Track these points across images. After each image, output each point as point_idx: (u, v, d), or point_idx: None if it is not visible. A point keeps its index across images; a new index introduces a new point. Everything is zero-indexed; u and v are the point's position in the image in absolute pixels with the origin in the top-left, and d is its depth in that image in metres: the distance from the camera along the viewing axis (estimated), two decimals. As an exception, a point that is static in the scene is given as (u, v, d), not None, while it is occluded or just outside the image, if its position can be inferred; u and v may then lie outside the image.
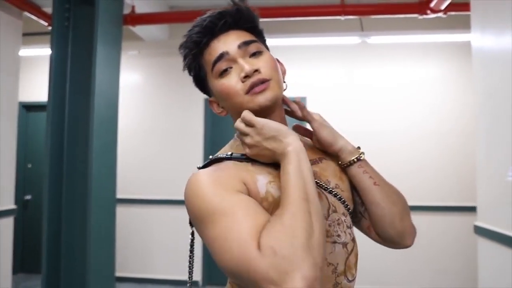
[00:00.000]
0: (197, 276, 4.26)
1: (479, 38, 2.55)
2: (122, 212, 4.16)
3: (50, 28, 3.23)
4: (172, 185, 4.31)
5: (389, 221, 0.86)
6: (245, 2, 0.88)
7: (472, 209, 2.61)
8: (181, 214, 4.51)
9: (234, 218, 0.68)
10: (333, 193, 0.83)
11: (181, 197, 3.46)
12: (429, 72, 4.06)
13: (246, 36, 0.85)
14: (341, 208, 0.84)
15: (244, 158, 0.82)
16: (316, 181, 0.78)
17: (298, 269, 0.61)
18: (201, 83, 0.91)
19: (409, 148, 3.88)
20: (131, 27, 3.76)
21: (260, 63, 0.83)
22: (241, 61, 0.82)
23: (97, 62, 2.87)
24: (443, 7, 3.04)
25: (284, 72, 0.92)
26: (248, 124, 0.78)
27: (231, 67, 0.83)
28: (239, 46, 0.83)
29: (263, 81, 0.81)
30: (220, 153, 0.86)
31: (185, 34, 0.89)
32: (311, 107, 4.29)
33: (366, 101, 4.01)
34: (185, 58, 0.89)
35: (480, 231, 2.47)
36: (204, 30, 0.85)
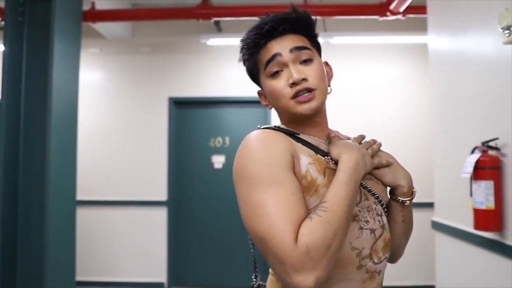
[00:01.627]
0: (162, 277, 4.19)
1: (435, 40, 2.64)
2: (84, 215, 4.05)
3: (3, 23, 3.09)
4: (136, 186, 4.23)
5: (395, 247, 0.99)
6: (305, 10, 0.95)
7: (431, 205, 2.71)
8: (145, 214, 4.47)
9: (282, 196, 0.77)
10: (362, 184, 0.90)
11: (145, 198, 3.43)
12: (392, 73, 4.17)
13: (300, 41, 0.92)
14: (371, 197, 0.91)
15: (292, 134, 0.92)
16: None
17: (317, 271, 0.72)
18: (253, 77, 1.00)
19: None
20: (91, 24, 3.65)
21: (309, 71, 0.90)
22: (291, 66, 0.89)
23: (54, 59, 2.77)
24: (402, 9, 3.13)
25: (331, 77, 1.00)
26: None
27: (281, 70, 0.91)
28: (291, 50, 0.90)
29: (309, 90, 0.89)
30: (273, 125, 0.96)
31: (246, 32, 0.95)
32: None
33: (329, 101, 4.05)
34: (242, 54, 0.97)
35: (437, 226, 2.56)
36: (263, 33, 0.91)
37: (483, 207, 1.90)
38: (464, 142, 2.15)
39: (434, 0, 2.63)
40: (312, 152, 0.89)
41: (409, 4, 3.09)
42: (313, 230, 0.73)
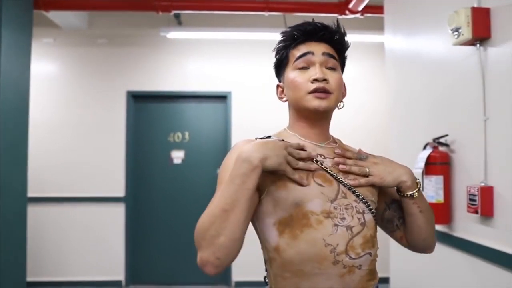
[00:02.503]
0: (120, 275, 4.10)
1: (391, 40, 2.72)
2: (37, 212, 3.89)
3: None
4: (93, 182, 4.10)
5: (423, 238, 1.05)
6: (344, 29, 1.06)
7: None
8: (102, 211, 4.34)
9: (218, 191, 0.91)
10: (343, 183, 0.96)
11: (102, 194, 3.34)
12: (352, 71, 4.23)
13: (332, 51, 1.03)
14: (351, 196, 0.96)
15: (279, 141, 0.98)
16: (331, 172, 0.96)
17: (200, 252, 0.86)
18: (279, 68, 1.09)
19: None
20: (45, 13, 3.49)
21: (331, 77, 1.00)
22: (317, 66, 1.00)
23: (2, 48, 2.63)
24: (360, 8, 3.21)
25: (344, 95, 1.09)
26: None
27: (308, 68, 1.01)
28: (323, 54, 1.01)
29: (326, 91, 0.98)
30: (267, 135, 1.04)
31: (290, 27, 1.05)
32: (236, 102, 4.30)
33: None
34: (278, 44, 1.07)
35: (391, 220, 2.65)
36: (304, 31, 1.03)
37: (434, 200, 1.99)
38: (417, 139, 2.23)
39: (391, 1, 2.71)
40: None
41: (367, 4, 3.17)
42: (200, 218, 0.87)
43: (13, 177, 2.80)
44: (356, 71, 4.27)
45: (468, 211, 1.76)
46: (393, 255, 2.66)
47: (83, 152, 4.12)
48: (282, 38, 1.06)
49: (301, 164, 0.93)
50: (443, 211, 1.98)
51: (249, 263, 3.50)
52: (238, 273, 4.04)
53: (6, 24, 2.66)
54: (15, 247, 2.84)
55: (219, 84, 4.22)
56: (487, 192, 1.68)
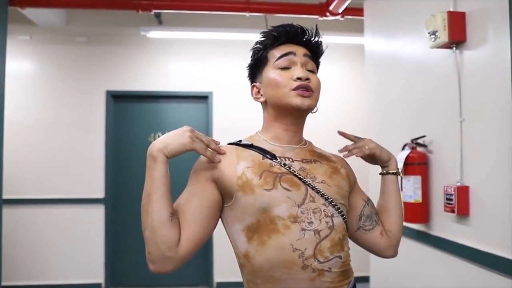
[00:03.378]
0: (100, 278, 4.03)
1: (370, 41, 2.76)
2: (12, 214, 3.78)
3: None
4: (71, 183, 4.02)
5: (400, 223, 1.14)
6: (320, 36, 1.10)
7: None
8: (80, 213, 4.25)
9: (184, 193, 1.00)
10: (311, 186, 0.96)
11: (80, 195, 3.28)
12: (332, 72, 4.29)
13: (311, 54, 1.06)
14: (320, 199, 0.96)
15: (247, 145, 1.02)
16: (299, 176, 0.96)
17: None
18: (254, 68, 1.09)
19: (321, 142, 4.06)
20: (20, 10, 3.40)
21: (312, 77, 1.02)
22: (299, 66, 1.01)
23: (-24, 46, 2.55)
24: (340, 10, 3.24)
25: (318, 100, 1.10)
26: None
27: (290, 68, 1.01)
28: (305, 55, 1.03)
29: (309, 90, 1.00)
30: (238, 139, 1.06)
31: (271, 27, 1.06)
32: (217, 103, 4.28)
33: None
34: (258, 43, 1.07)
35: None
36: (286, 33, 1.04)
37: (412, 200, 2.03)
38: (396, 139, 2.27)
39: (371, 2, 2.74)
40: (259, 158, 0.99)
41: (348, 6, 3.20)
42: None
43: (-13, 178, 2.72)
44: (336, 72, 4.31)
45: (445, 211, 1.80)
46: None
47: (61, 152, 4.04)
48: (262, 38, 1.06)
49: (212, 146, 0.97)
50: (421, 211, 2.02)
51: (231, 264, 3.49)
52: (220, 274, 4.02)
53: (-21, 21, 2.58)
54: (-11, 251, 2.75)
55: (200, 84, 4.20)
56: (463, 192, 1.72)
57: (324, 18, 3.33)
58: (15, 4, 3.17)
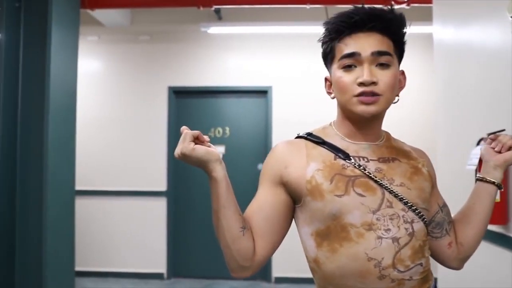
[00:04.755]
0: (162, 268, 4.19)
1: (440, 30, 2.59)
2: (83, 204, 4.03)
3: None
4: (135, 176, 4.20)
5: (476, 241, 1.01)
6: (401, 13, 0.94)
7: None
8: (144, 205, 4.43)
9: (258, 195, 0.95)
10: (389, 189, 0.88)
11: (144, 188, 3.40)
12: (400, 65, 4.11)
13: (383, 45, 0.90)
14: (398, 204, 0.88)
15: (319, 142, 0.94)
16: (374, 178, 0.88)
17: None
18: (325, 59, 0.98)
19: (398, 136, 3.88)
20: (89, 11, 3.59)
21: (382, 76, 0.89)
22: (366, 66, 0.88)
23: (52, 46, 2.72)
24: (406, -2, 3.08)
25: (402, 87, 1.00)
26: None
27: (355, 66, 0.90)
28: (372, 54, 0.89)
29: (374, 95, 0.88)
30: (308, 131, 0.99)
31: (334, 15, 0.93)
32: (276, 97, 4.26)
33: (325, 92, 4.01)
34: (323, 35, 0.96)
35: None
36: (351, 23, 0.90)
37: (489, 199, 1.87)
38: (468, 134, 2.11)
39: (440, -11, 2.57)
40: (330, 158, 0.91)
41: (413, -7, 3.03)
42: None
43: (61, 171, 2.90)
44: (403, 65, 4.11)
45: (528, 212, 1.64)
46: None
47: (126, 147, 4.23)
48: (327, 29, 0.95)
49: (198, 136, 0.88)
50: (499, 211, 1.86)
51: (289, 259, 3.48)
52: (278, 269, 4.02)
53: (56, 24, 2.75)
54: (64, 238, 2.95)
55: (259, 78, 4.20)
56: (550, 192, 1.56)
57: (389, 7, 3.17)
58: (86, 6, 3.35)
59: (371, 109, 0.89)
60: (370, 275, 0.84)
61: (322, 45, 0.98)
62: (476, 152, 1.92)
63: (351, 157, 0.91)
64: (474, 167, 1.92)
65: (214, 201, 0.88)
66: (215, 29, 3.79)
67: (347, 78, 0.90)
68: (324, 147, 0.93)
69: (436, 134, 2.64)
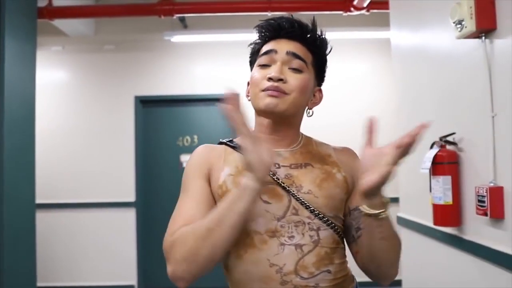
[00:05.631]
0: (133, 280, 4.10)
1: (396, 35, 2.64)
2: (48, 218, 3.92)
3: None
4: (103, 188, 4.12)
5: (377, 265, 0.89)
6: (322, 31, 0.99)
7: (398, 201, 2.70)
8: (113, 216, 4.34)
9: (183, 199, 0.92)
10: (295, 197, 0.88)
11: (113, 199, 3.34)
12: (359, 69, 4.17)
13: (300, 51, 0.95)
14: (304, 211, 0.88)
15: (234, 147, 0.97)
16: (282, 184, 0.89)
17: (172, 265, 0.86)
18: (251, 64, 1.04)
19: (346, 142, 3.88)
20: (52, 22, 3.52)
21: (291, 78, 0.92)
22: (278, 65, 0.93)
23: (5, 57, 2.65)
24: (365, 4, 3.13)
25: (314, 103, 1.01)
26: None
27: (270, 65, 0.94)
28: (287, 53, 0.94)
29: (279, 91, 0.90)
30: (229, 138, 1.01)
31: (262, 22, 1.00)
32: (245, 103, 4.25)
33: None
34: (253, 41, 1.03)
35: (402, 222, 2.56)
36: (275, 27, 0.97)
37: (441, 202, 1.90)
38: (425, 137, 2.14)
39: (395, -5, 2.62)
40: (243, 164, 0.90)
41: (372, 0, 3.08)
42: (186, 232, 0.83)
43: (20, 184, 2.82)
44: (364, 68, 4.18)
45: (477, 213, 1.67)
46: (405, 258, 2.56)
47: (93, 158, 4.15)
48: (256, 33, 1.02)
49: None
50: (452, 213, 1.88)
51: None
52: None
53: (9, 34, 2.68)
54: (24, 253, 2.86)
55: (232, 86, 4.17)
56: (496, 193, 1.59)
57: (349, 13, 3.22)
58: (44, 16, 3.28)
59: (275, 102, 0.90)
60: (272, 281, 0.85)
61: (251, 47, 1.05)
62: (429, 156, 1.95)
63: None
64: (427, 170, 1.95)
65: (235, 212, 0.80)
66: (178, 38, 3.77)
67: (259, 74, 0.95)
68: (240, 152, 0.92)
69: (397, 136, 2.67)
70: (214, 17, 3.84)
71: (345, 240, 0.97)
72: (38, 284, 3.08)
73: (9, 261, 2.64)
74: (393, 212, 2.80)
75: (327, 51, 1.01)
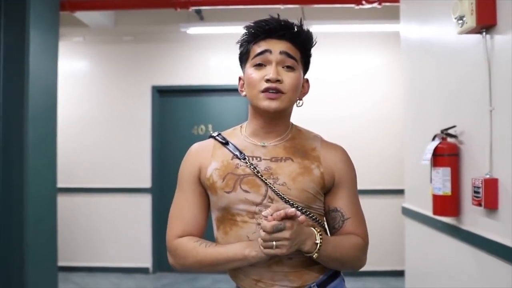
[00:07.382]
0: (148, 262, 4.28)
1: (406, 29, 2.67)
2: (68, 202, 4.11)
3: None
4: (120, 174, 4.28)
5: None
6: (308, 30, 1.06)
7: (403, 192, 2.75)
8: (129, 201, 4.49)
9: (179, 200, 1.11)
10: (271, 188, 1.00)
11: (129, 185, 3.52)
12: (370, 62, 4.16)
13: (292, 51, 1.03)
14: (279, 201, 1.00)
15: (222, 143, 1.08)
16: (261, 177, 1.01)
17: (174, 263, 1.09)
18: (241, 61, 1.10)
19: (357, 135, 3.90)
20: (73, 13, 3.65)
21: (286, 77, 1.01)
22: (273, 65, 1.00)
23: (31, 48, 2.79)
24: (377, -3, 3.15)
25: (304, 93, 1.11)
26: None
27: (265, 65, 1.02)
28: (281, 53, 1.01)
29: (278, 91, 0.99)
30: (219, 132, 1.13)
31: (251, 23, 1.06)
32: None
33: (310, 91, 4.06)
34: (242, 38, 1.08)
35: (406, 212, 2.62)
36: (265, 29, 1.03)
37: (441, 193, 1.95)
38: (427, 130, 2.19)
39: (406, -12, 2.65)
40: (228, 158, 1.05)
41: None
42: (187, 250, 1.04)
43: (42, 170, 2.97)
44: (375, 62, 4.17)
45: (473, 204, 1.72)
46: (408, 248, 2.63)
47: (111, 145, 4.31)
48: (245, 33, 1.07)
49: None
50: (450, 204, 1.94)
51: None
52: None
53: (34, 26, 2.81)
54: (46, 233, 3.03)
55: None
56: (491, 184, 1.64)
57: (361, 6, 3.24)
58: (66, 8, 3.42)
59: (274, 104, 1.00)
60: None
61: (239, 47, 1.10)
62: (430, 148, 2.00)
63: (246, 157, 1.04)
64: (428, 162, 2.01)
65: (230, 265, 1.01)
66: (194, 30, 3.86)
67: (256, 75, 1.02)
68: (227, 148, 1.07)
69: (403, 129, 2.73)
70: (229, 10, 3.91)
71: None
72: (59, 264, 3.26)
73: (32, 241, 2.81)
74: (398, 203, 2.85)
75: (313, 46, 1.08)
